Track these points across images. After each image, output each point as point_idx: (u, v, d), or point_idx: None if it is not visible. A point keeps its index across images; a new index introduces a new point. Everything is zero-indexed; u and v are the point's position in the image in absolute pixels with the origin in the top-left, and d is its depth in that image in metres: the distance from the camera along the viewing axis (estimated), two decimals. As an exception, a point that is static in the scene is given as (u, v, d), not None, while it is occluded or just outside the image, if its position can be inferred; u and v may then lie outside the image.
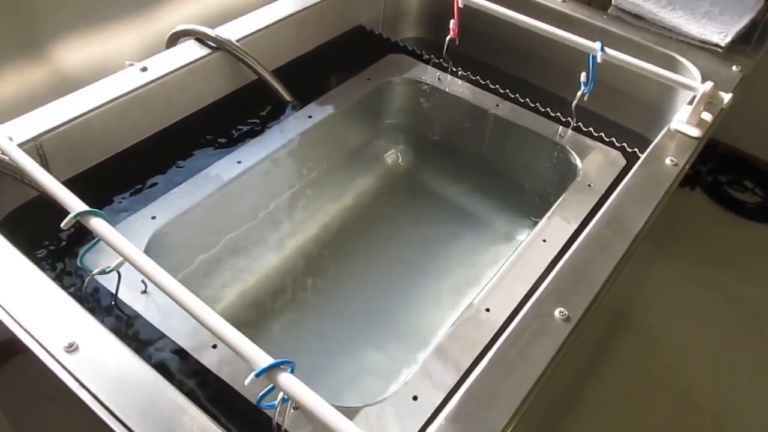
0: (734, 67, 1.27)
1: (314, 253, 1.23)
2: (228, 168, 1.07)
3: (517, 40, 1.42)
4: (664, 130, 1.11)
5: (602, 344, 1.69)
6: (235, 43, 1.15)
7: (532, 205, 1.29)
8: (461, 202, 1.35)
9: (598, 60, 1.11)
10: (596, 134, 1.21)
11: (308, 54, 1.34)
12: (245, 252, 1.16)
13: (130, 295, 0.86)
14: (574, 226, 1.03)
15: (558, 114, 1.24)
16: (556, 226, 1.03)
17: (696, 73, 1.23)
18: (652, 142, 1.15)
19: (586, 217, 1.04)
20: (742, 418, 1.73)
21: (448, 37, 1.26)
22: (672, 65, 1.28)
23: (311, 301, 1.17)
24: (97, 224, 0.74)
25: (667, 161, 1.04)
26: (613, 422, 1.67)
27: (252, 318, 1.12)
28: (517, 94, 1.27)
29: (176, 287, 0.69)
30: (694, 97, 1.09)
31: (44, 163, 0.97)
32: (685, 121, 1.10)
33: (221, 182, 1.05)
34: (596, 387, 1.71)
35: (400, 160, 1.41)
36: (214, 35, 1.14)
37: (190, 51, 1.14)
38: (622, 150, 1.18)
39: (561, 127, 1.22)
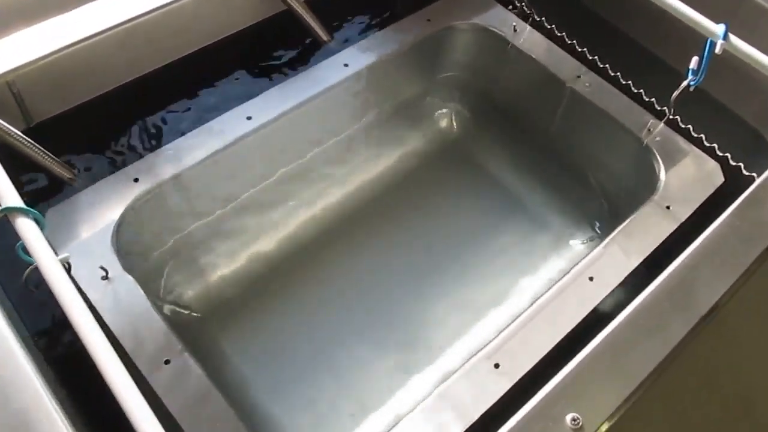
0: None
1: (326, 232, 1.08)
2: (236, 124, 0.91)
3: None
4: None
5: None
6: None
7: (596, 208, 1.07)
8: (513, 187, 1.14)
9: (717, 50, 0.85)
10: (695, 134, 0.96)
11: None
12: (241, 227, 1.03)
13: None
14: (633, 264, 0.83)
15: (653, 99, 0.99)
16: (609, 260, 0.83)
17: None
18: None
19: (650, 256, 0.84)
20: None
21: (532, -19, 1.01)
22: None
23: (305, 291, 1.03)
24: (23, 225, 0.62)
25: (774, 207, 0.80)
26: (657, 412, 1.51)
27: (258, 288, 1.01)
28: (607, 65, 1.02)
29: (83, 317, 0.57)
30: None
31: (19, 103, 0.84)
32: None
33: (224, 141, 0.90)
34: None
35: (453, 124, 1.20)
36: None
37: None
38: (723, 162, 0.94)
39: (652, 119, 0.97)
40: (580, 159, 1.07)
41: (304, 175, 1.05)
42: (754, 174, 0.92)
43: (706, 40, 0.87)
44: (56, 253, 0.74)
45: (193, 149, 0.89)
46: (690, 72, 0.91)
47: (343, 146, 1.07)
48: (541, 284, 1.04)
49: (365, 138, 1.09)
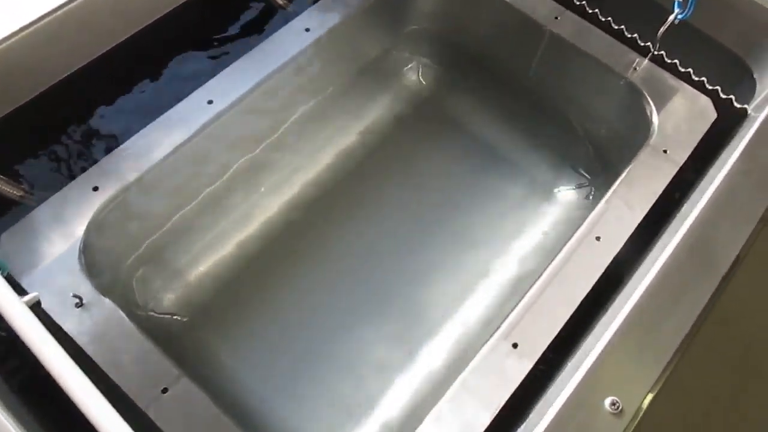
0: None
1: (305, 212, 1.01)
2: (197, 110, 0.82)
3: None
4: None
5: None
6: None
7: (582, 154, 1.03)
8: (493, 141, 1.08)
9: (706, -21, 0.80)
10: (683, 69, 0.92)
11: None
12: (215, 220, 0.95)
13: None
14: (638, 217, 0.79)
15: (636, 35, 0.93)
16: (614, 215, 0.79)
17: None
18: (754, 75, 0.87)
19: (656, 204, 0.80)
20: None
21: None
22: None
23: (297, 272, 0.97)
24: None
25: (780, 145, 0.77)
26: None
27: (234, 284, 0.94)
28: (584, 1, 0.96)
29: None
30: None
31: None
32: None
33: (187, 132, 0.81)
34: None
35: (421, 78, 1.12)
36: None
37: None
38: (713, 95, 0.90)
39: (637, 57, 0.92)
40: (562, 104, 1.01)
41: (276, 154, 0.97)
42: (746, 106, 0.89)
43: (694, -31, 0.81)
44: (20, 287, 0.67)
45: (153, 145, 0.80)
46: (676, 5, 0.85)
47: (313, 117, 0.99)
48: (536, 238, 1.00)
49: (334, 105, 1.01)
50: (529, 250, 0.99)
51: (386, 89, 1.10)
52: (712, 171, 0.80)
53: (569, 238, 0.97)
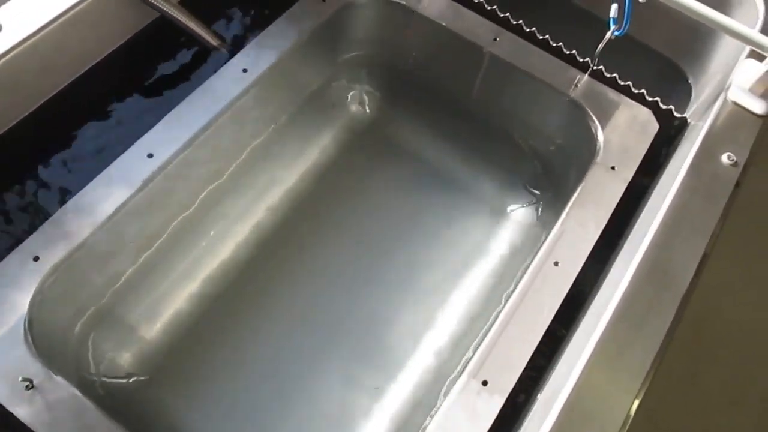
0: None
1: (257, 252, 0.98)
2: (137, 165, 0.79)
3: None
4: (719, 101, 0.83)
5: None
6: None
7: (529, 170, 1.03)
8: (440, 162, 1.07)
9: (639, -2, 0.81)
10: (622, 82, 0.93)
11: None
12: (165, 272, 0.92)
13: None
14: (593, 238, 0.80)
15: (574, 51, 0.94)
16: (569, 239, 0.80)
17: (761, 9, 0.92)
18: (689, 80, 0.89)
19: (609, 224, 0.81)
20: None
21: (430, -60, 0.92)
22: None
23: (253, 309, 0.95)
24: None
25: (724, 158, 0.78)
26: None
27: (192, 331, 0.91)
28: (521, 20, 0.96)
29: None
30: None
31: None
32: (747, 88, 0.82)
33: (129, 189, 0.78)
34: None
35: (363, 105, 1.11)
36: (97, -38, 0.79)
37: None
38: (653, 107, 0.92)
39: (578, 73, 0.93)
40: (507, 123, 1.02)
41: (222, 197, 0.94)
42: (686, 115, 0.91)
43: (625, -12, 0.82)
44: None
45: (95, 205, 0.76)
46: (612, 21, 0.86)
47: (258, 156, 0.96)
48: (493, 260, 1.00)
49: (279, 142, 0.99)
50: (488, 273, 0.99)
51: (330, 120, 1.08)
52: (660, 187, 0.81)
53: (526, 258, 0.98)
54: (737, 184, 0.77)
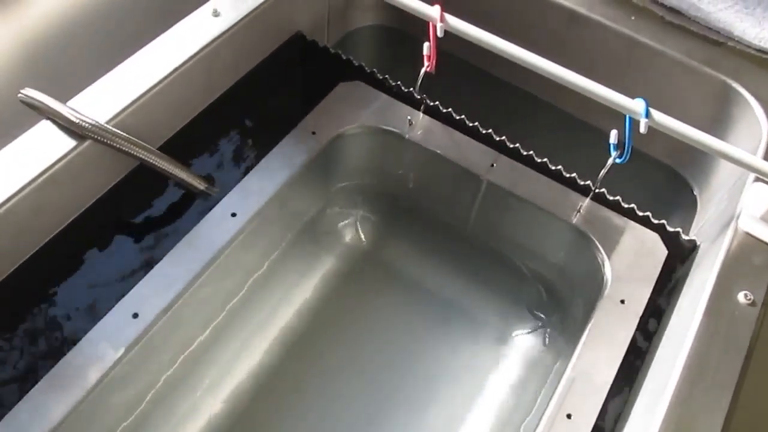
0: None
1: (259, 394, 0.93)
2: (122, 327, 0.75)
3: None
4: (730, 231, 0.79)
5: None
6: (104, 125, 0.78)
7: (534, 296, 0.99)
8: (441, 291, 1.03)
9: (642, 129, 0.78)
10: (626, 205, 0.89)
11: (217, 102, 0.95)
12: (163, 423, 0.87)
13: None
14: (606, 386, 0.75)
15: (574, 174, 0.91)
16: (581, 388, 0.75)
17: (764, 128, 0.89)
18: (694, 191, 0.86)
19: (621, 368, 0.76)
20: None
21: (422, 69, 0.89)
22: (724, 97, 0.94)
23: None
24: None
25: (741, 297, 0.74)
26: None
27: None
28: (518, 143, 0.93)
29: None
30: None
31: None
32: (759, 216, 0.79)
33: (114, 354, 0.73)
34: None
35: (360, 233, 1.07)
36: (75, 120, 0.76)
37: (38, 147, 0.76)
38: (660, 230, 0.88)
39: (579, 198, 0.90)
40: (508, 250, 0.98)
41: (219, 340, 0.90)
42: (694, 238, 0.87)
43: (625, 117, 0.80)
44: None
45: (79, 373, 0.71)
46: (612, 147, 0.84)
47: (252, 297, 0.92)
48: (501, 393, 0.95)
49: (273, 279, 0.95)
50: (496, 406, 0.94)
51: (325, 252, 1.04)
52: (674, 327, 0.76)
53: (535, 389, 0.93)
54: (758, 326, 0.72)
